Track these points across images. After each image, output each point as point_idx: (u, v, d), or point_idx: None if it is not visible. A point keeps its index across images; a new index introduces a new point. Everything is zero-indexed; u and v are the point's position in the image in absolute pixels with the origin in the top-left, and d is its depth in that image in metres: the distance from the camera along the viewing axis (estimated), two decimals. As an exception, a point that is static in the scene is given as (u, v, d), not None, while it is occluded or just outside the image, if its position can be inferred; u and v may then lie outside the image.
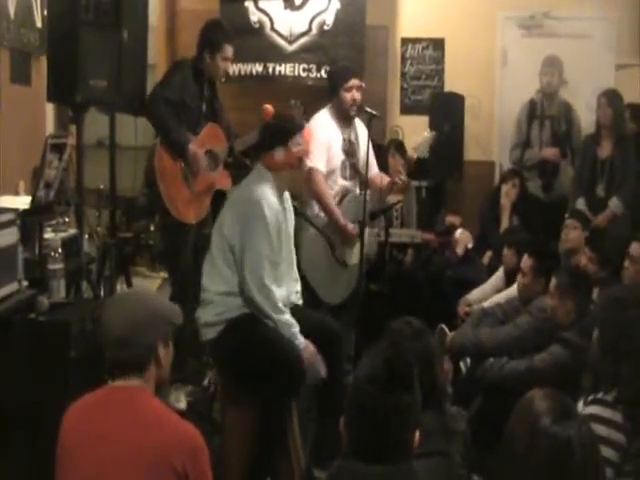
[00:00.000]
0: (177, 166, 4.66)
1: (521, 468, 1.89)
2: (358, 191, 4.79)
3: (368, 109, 4.71)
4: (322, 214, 4.72)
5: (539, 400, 1.94)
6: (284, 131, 3.74)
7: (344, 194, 4.81)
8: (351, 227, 4.66)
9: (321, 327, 3.82)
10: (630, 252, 4.10)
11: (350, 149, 4.86)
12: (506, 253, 4.89)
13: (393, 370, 2.03)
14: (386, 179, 4.94)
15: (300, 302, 3.95)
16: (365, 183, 4.65)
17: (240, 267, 3.55)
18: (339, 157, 4.81)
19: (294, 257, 3.92)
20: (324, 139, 4.70)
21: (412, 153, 4.85)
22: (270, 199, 3.61)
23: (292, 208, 3.91)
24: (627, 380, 2.53)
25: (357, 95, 4.76)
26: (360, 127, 4.92)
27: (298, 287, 3.97)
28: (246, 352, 3.51)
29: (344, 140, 4.84)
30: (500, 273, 5.07)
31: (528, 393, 2.00)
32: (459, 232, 5.97)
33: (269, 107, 4.21)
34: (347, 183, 4.84)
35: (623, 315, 2.68)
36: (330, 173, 4.78)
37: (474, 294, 5.08)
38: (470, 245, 5.90)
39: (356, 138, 4.88)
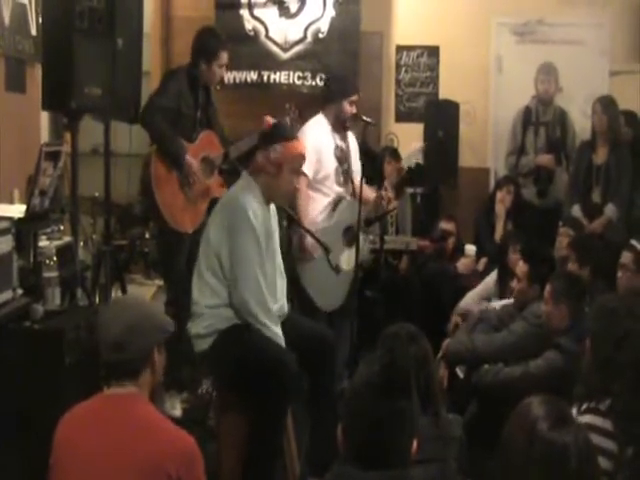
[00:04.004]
0: (173, 174, 4.66)
1: (518, 474, 1.88)
2: (349, 197, 4.85)
3: (364, 117, 4.77)
4: (318, 219, 4.74)
5: (536, 406, 1.93)
6: (266, 135, 3.75)
7: (337, 201, 4.84)
8: (309, 245, 4.62)
9: (313, 334, 3.81)
10: (622, 261, 4.09)
11: (342, 156, 4.90)
12: (514, 260, 4.84)
13: (390, 375, 2.03)
14: (373, 193, 4.95)
15: (286, 310, 3.88)
16: (358, 190, 4.68)
17: (232, 277, 3.51)
18: (332, 163, 4.85)
19: (282, 264, 3.88)
20: (315, 144, 4.73)
21: (403, 164, 4.95)
22: (254, 206, 3.57)
23: (277, 214, 3.87)
24: (619, 392, 2.50)
25: (354, 109, 4.86)
26: (351, 136, 5.00)
27: (285, 297, 3.89)
28: (239, 362, 3.51)
29: (336, 147, 4.88)
30: (489, 281, 5.07)
31: (525, 399, 1.98)
32: (468, 255, 5.98)
33: (269, 119, 4.28)
34: (340, 189, 4.88)
35: (616, 326, 2.64)
36: (324, 179, 4.82)
37: (463, 302, 5.09)
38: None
39: (347, 146, 4.93)
